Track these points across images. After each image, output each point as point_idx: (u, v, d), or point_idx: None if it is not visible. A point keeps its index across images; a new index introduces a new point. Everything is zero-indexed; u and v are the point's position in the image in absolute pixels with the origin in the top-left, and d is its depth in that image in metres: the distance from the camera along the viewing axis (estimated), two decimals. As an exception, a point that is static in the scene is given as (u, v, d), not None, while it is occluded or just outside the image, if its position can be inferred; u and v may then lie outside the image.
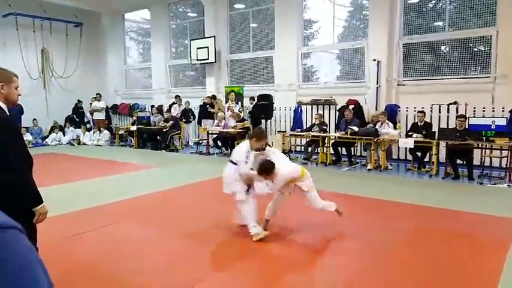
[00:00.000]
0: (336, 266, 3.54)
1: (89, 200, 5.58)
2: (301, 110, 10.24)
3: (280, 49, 10.76)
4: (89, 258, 3.60)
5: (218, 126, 10.31)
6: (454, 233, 4.23)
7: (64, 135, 13.43)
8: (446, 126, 8.03)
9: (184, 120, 11.84)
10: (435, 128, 7.74)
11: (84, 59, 14.87)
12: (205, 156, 10.29)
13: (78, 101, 14.25)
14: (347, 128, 8.36)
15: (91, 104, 13.85)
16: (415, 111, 8.47)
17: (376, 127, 8.13)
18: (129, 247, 3.88)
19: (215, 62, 11.79)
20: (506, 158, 6.93)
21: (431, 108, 8.45)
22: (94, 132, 13.25)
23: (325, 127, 8.93)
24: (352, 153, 8.77)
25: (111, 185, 6.86)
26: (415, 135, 7.61)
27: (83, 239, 4.13)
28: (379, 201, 5.55)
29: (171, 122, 11.35)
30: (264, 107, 10.28)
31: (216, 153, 10.43)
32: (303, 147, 9.45)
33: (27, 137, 12.25)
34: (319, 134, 8.69)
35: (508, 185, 6.48)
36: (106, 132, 13.22)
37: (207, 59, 11.76)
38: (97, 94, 13.97)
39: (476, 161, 7.19)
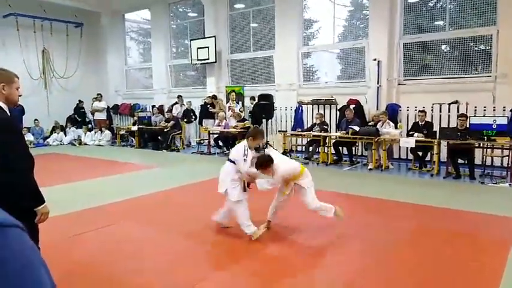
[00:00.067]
0: (336, 265, 3.53)
1: (90, 200, 5.59)
2: (302, 110, 10.23)
3: (281, 49, 10.76)
4: (89, 259, 3.60)
5: (219, 126, 10.31)
6: (455, 233, 4.23)
7: (65, 136, 13.45)
8: (447, 126, 8.04)
9: (185, 120, 11.86)
10: (436, 128, 7.73)
11: (84, 59, 14.90)
12: (206, 156, 10.29)
13: (79, 101, 14.28)
14: (348, 128, 8.35)
15: (92, 104, 13.89)
16: (415, 110, 8.46)
17: (377, 127, 8.12)
18: (130, 247, 3.88)
19: (215, 62, 11.80)
20: (507, 157, 6.92)
21: (432, 107, 8.44)
22: (95, 133, 13.26)
23: (326, 127, 8.92)
24: (353, 153, 8.77)
25: (112, 185, 6.86)
26: (416, 134, 7.60)
27: (84, 239, 4.13)
28: (380, 201, 5.55)
29: (172, 122, 11.36)
30: (264, 107, 10.28)
31: (217, 153, 10.43)
32: (303, 147, 9.46)
33: (29, 137, 12.30)
34: (320, 133, 8.68)
35: (510, 184, 6.46)
36: (107, 132, 13.25)
37: (208, 59, 11.77)
38: (98, 94, 14.03)
39: (477, 161, 7.18)
